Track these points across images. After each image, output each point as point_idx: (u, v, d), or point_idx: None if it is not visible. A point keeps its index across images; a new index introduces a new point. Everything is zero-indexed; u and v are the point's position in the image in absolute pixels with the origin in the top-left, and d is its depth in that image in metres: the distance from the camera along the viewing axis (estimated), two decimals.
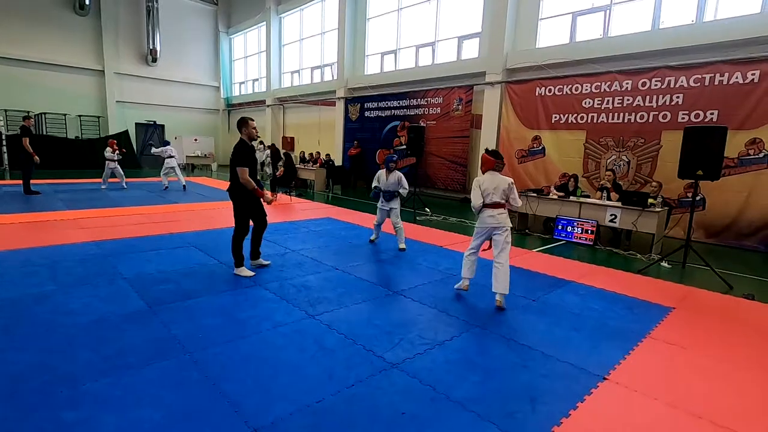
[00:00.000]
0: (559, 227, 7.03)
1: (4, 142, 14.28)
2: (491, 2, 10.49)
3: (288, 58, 18.56)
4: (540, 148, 9.69)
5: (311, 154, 14.46)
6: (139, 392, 2.34)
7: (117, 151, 11.14)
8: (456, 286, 4.24)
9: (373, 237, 6.29)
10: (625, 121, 8.25)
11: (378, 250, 5.82)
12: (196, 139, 19.47)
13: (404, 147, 12.89)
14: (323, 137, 16.39)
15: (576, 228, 6.82)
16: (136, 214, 7.60)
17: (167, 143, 12.28)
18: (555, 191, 7.55)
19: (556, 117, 9.35)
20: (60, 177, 12.75)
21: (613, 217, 6.53)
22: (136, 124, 19.24)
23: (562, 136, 9.27)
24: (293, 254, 5.40)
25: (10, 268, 4.34)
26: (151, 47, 19.13)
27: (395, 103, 13.13)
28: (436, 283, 4.51)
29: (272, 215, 7.94)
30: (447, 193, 11.98)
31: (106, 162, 11.00)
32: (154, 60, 19.42)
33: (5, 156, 14.36)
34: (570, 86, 9.02)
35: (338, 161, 14.61)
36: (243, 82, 21.87)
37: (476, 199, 3.96)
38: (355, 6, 14.50)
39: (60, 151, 15.77)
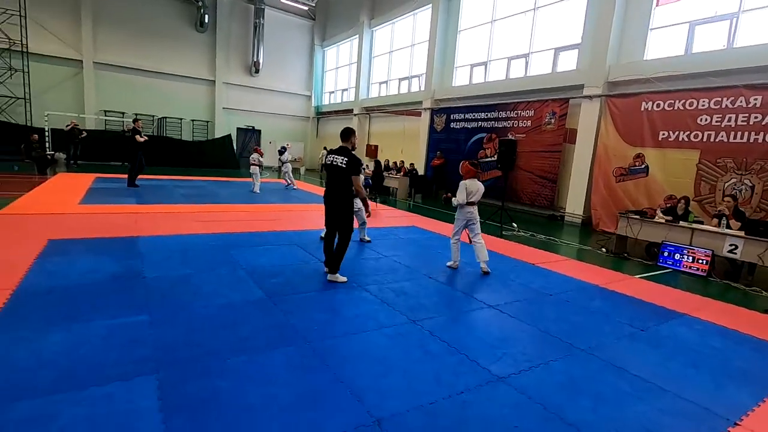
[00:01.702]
0: (665, 254, 6.48)
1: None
2: (594, 13, 10.04)
3: (377, 69, 19.28)
4: (642, 166, 9.01)
5: (395, 163, 14.83)
6: (271, 371, 2.66)
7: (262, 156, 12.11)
8: (447, 264, 5.47)
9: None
10: (751, 140, 7.39)
11: (466, 262, 5.84)
12: (288, 144, 20.89)
13: (490, 159, 12.76)
14: (406, 146, 16.72)
15: (686, 256, 6.24)
16: (242, 212, 8.42)
17: (284, 149, 13.54)
18: (661, 214, 6.99)
19: (663, 134, 8.64)
20: (177, 174, 14.47)
21: (733, 247, 5.88)
22: (237, 128, 21.23)
23: (669, 155, 8.54)
24: (386, 260, 5.63)
25: (153, 251, 5.09)
26: (255, 59, 21.03)
27: (483, 115, 13.03)
28: (532, 301, 4.44)
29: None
30: (532, 208, 11.58)
31: (251, 166, 11.72)
32: (257, 71, 21.31)
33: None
34: (683, 101, 8.29)
35: (421, 170, 14.82)
36: (333, 92, 23.10)
37: (462, 198, 5.29)
38: (446, 19, 14.69)
39: (176, 151, 17.86)
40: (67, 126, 14.74)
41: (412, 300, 4.16)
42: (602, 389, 2.77)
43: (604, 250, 7.36)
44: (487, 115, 12.89)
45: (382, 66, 18.94)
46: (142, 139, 9.99)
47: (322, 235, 4.77)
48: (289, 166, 13.21)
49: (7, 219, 6.09)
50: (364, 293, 4.26)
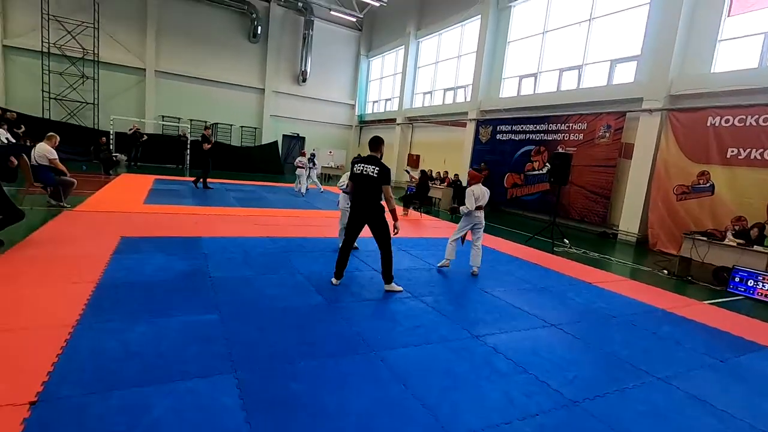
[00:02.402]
0: (737, 279, 6.05)
1: (188, 146, 17.43)
2: (656, 24, 9.66)
3: (421, 80, 19.37)
4: (708, 185, 8.49)
5: (438, 173, 14.77)
6: (342, 378, 2.68)
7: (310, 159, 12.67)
8: (438, 264, 5.67)
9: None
10: None
11: (519, 278, 5.69)
12: (331, 152, 21.35)
13: (537, 172, 12.46)
14: (449, 157, 16.63)
15: (762, 283, 5.80)
16: (292, 216, 8.63)
17: (313, 156, 13.85)
18: (732, 237, 6.55)
19: (733, 151, 8.13)
20: (227, 177, 15.06)
21: None
22: (283, 135, 21.89)
23: (740, 174, 8.01)
24: (438, 272, 5.58)
25: (215, 252, 5.30)
26: (302, 69, 21.67)
27: (531, 127, 12.76)
28: (594, 322, 4.26)
29: (407, 231, 8.33)
30: (582, 224, 11.17)
31: (298, 169, 12.38)
32: (304, 80, 21.95)
33: (188, 157, 17.50)
34: (756, 117, 7.78)
35: (465, 182, 14.66)
36: (376, 101, 23.40)
37: (471, 204, 5.43)
38: (496, 30, 14.58)
39: (226, 156, 18.61)
40: (129, 130, 15.74)
41: (470, 314, 4.10)
42: (690, 423, 2.59)
43: (665, 272, 6.96)
44: (535, 128, 12.62)
45: (426, 76, 19.01)
46: (207, 147, 10.91)
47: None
48: (315, 172, 13.61)
49: (84, 216, 6.54)
50: (421, 304, 4.24)
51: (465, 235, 5.71)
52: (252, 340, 3.06)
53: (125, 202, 8.12)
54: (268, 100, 21.25)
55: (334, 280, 4.54)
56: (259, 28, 20.11)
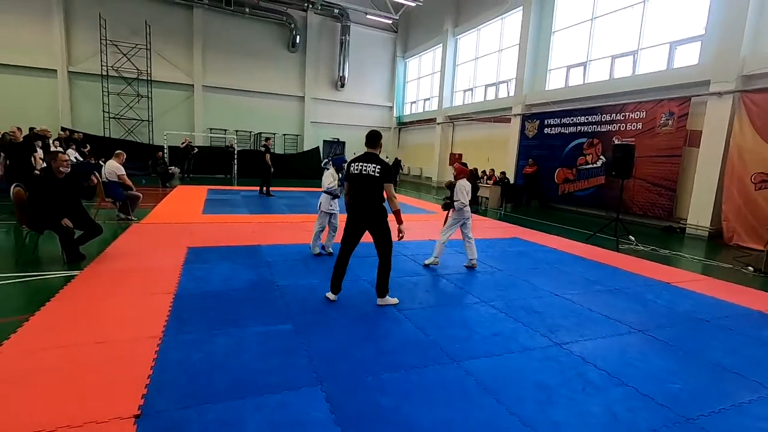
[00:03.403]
0: None
1: (235, 156, 18.04)
2: (724, 1, 8.91)
3: (461, 77, 19.03)
4: None
5: (484, 172, 14.42)
6: (429, 391, 2.57)
7: None
8: (428, 262, 5.51)
9: (316, 251, 5.75)
10: None
11: (588, 279, 5.36)
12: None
13: (591, 166, 11.86)
14: (493, 154, 16.21)
15: None
16: (342, 222, 8.63)
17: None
18: None
19: None
20: (273, 185, 15.39)
21: None
22: (323, 141, 22.21)
23: None
24: (502, 274, 5.38)
25: (277, 260, 5.36)
26: (340, 74, 21.92)
27: (582, 119, 12.17)
28: (685, 326, 3.91)
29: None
30: (644, 219, 10.50)
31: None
32: (342, 85, 22.18)
33: (235, 167, 18.12)
34: None
35: (512, 178, 14.24)
36: (414, 102, 23.27)
37: (466, 199, 5.34)
38: (539, 20, 14.06)
39: (272, 164, 19.08)
40: (182, 143, 16.50)
41: (547, 319, 3.88)
42: None
43: (750, 268, 6.36)
44: (587, 119, 12.02)
45: (466, 73, 18.66)
46: (268, 156, 11.72)
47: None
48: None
49: (151, 228, 6.86)
50: (492, 309, 4.06)
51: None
52: (330, 351, 3.02)
53: (186, 213, 8.46)
54: (308, 107, 21.64)
55: (330, 295, 4.03)
56: (298, 37, 20.53)
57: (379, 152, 3.95)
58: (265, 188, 12.11)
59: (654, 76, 10.46)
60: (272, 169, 11.93)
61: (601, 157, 11.56)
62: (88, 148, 13.73)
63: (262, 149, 12.29)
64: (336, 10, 20.76)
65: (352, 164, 3.89)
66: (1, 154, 8.15)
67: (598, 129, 11.66)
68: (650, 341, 3.54)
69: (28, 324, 3.15)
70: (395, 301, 4.05)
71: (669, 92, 10.00)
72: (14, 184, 4.86)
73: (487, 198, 13.05)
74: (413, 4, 17.66)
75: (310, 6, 20.45)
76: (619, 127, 11.04)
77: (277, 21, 20.30)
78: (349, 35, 21.49)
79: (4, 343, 2.83)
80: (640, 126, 10.51)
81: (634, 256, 6.95)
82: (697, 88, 9.36)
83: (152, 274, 4.48)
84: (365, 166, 3.78)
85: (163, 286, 4.13)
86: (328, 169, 5.95)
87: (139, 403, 2.26)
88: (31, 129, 11.86)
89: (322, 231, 5.81)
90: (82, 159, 12.28)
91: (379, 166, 3.76)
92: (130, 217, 7.40)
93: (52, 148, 11.51)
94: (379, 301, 4.00)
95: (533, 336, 3.49)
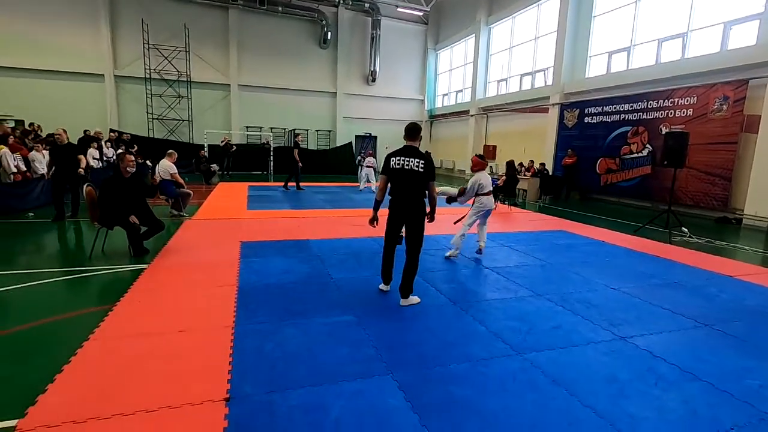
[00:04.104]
0: None
1: (271, 153, 18.46)
2: None
3: (494, 68, 18.67)
4: None
5: (521, 164, 14.14)
6: (499, 383, 2.60)
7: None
8: (447, 255, 5.52)
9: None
10: None
11: (643, 272, 5.21)
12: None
13: (636, 155, 11.43)
14: (529, 145, 15.87)
15: None
16: (382, 216, 8.71)
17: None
18: None
19: None
20: (308, 180, 15.70)
21: None
22: (356, 136, 22.35)
23: None
24: (552, 267, 5.31)
25: (328, 254, 5.50)
26: (371, 69, 21.95)
27: (626, 107, 11.72)
28: (757, 321, 3.74)
29: (501, 225, 8.05)
30: (696, 210, 10.03)
31: (367, 168, 12.92)
32: (374, 80, 22.22)
33: (271, 163, 18.55)
34: None
35: (551, 170, 13.91)
36: (446, 94, 23.02)
37: (471, 194, 5.44)
38: (578, 5, 13.57)
39: (305, 160, 19.37)
40: (222, 142, 17.04)
41: (606, 312, 3.81)
42: None
43: None
44: (631, 107, 11.56)
45: (499, 63, 18.28)
46: (296, 151, 12.07)
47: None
48: (370, 170, 13.11)
49: (203, 224, 7.17)
50: (548, 302, 4.03)
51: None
52: (395, 342, 3.09)
53: (232, 209, 8.77)
54: (340, 102, 21.82)
55: (382, 286, 4.11)
56: (329, 33, 20.68)
57: (419, 146, 3.85)
58: (293, 183, 12.49)
59: (706, 59, 9.92)
60: (300, 164, 12.24)
61: (647, 145, 11.11)
62: (136, 148, 14.40)
63: (293, 145, 12.72)
64: (367, 5, 20.77)
65: (392, 158, 3.76)
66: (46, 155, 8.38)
67: (644, 116, 11.19)
68: (720, 336, 3.42)
69: (112, 313, 3.39)
70: (417, 300, 3.88)
71: (723, 75, 9.47)
72: (86, 184, 5.20)
73: (525, 190, 12.81)
74: None
75: (341, 2, 20.54)
76: (667, 113, 10.56)
77: (308, 18, 20.52)
78: (379, 29, 21.45)
79: (95, 331, 3.06)
80: (690, 112, 10.02)
81: (688, 248, 6.67)
82: (756, 69, 8.82)
83: (213, 268, 4.70)
84: (408, 161, 3.66)
85: (225, 278, 4.34)
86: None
87: (227, 387, 2.41)
88: (85, 131, 12.59)
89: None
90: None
91: (422, 161, 3.65)
92: (182, 214, 7.75)
93: (105, 150, 12.18)
94: (402, 302, 3.81)
95: (595, 329, 3.44)
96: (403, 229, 3.98)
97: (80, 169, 7.27)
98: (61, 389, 2.35)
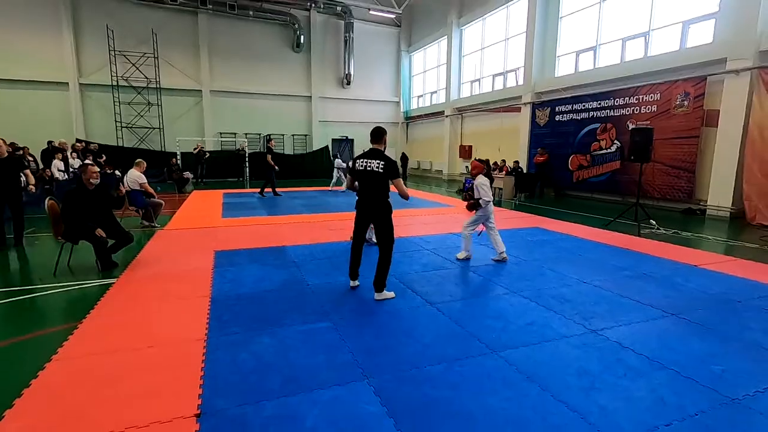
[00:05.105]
0: None
1: (246, 159, 18.20)
2: None
3: (467, 68, 18.92)
4: None
5: (496, 162, 14.36)
6: (475, 382, 2.62)
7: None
8: (458, 256, 5.53)
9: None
10: None
11: (614, 265, 5.36)
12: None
13: (605, 151, 11.76)
14: (504, 144, 16.14)
15: None
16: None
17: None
18: None
19: None
20: (286, 186, 15.53)
21: None
22: (332, 139, 22.27)
23: None
24: (527, 263, 5.40)
25: (304, 259, 5.45)
26: (346, 72, 21.92)
27: (594, 104, 12.06)
28: (718, 309, 3.90)
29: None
30: (663, 202, 10.40)
31: (336, 170, 13.23)
32: (348, 83, 22.19)
33: (246, 170, 18.28)
34: None
35: (525, 168, 14.18)
36: (421, 95, 23.19)
37: (489, 195, 5.24)
38: (546, 6, 13.90)
39: (281, 165, 19.15)
40: (194, 149, 16.71)
41: (578, 306, 3.90)
42: None
43: None
44: (599, 104, 11.91)
45: (472, 64, 18.54)
46: (270, 156, 11.72)
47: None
48: (340, 172, 13.79)
49: (175, 234, 6.99)
50: (523, 299, 4.09)
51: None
52: (371, 346, 3.08)
53: (206, 217, 8.59)
54: (316, 106, 21.70)
55: (351, 282, 4.33)
56: (302, 37, 20.56)
57: (384, 148, 4.05)
58: (269, 189, 12.22)
59: (667, 56, 10.31)
60: (276, 168, 11.88)
61: (616, 141, 11.45)
62: (104, 158, 13.95)
63: (265, 151, 12.51)
64: (339, 8, 20.75)
65: (357, 161, 4.02)
66: None
67: (611, 113, 11.54)
68: (686, 324, 3.55)
69: (78, 331, 3.27)
70: (392, 295, 4.06)
71: (684, 72, 9.86)
72: (48, 197, 5.00)
73: (500, 189, 13.00)
74: None
75: (313, 5, 20.45)
76: (633, 110, 10.92)
77: (280, 22, 20.34)
78: (353, 32, 21.44)
79: (59, 351, 2.94)
80: (654, 108, 10.39)
81: (656, 240, 6.90)
82: (713, 66, 9.22)
83: (185, 279, 4.59)
84: (369, 162, 3.91)
85: (197, 289, 4.24)
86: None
87: (198, 403, 2.35)
88: (50, 143, 12.13)
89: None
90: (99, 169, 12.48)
91: (382, 163, 3.88)
92: (153, 224, 7.55)
93: (71, 161, 11.75)
94: (377, 296, 4.00)
95: (567, 324, 3.52)
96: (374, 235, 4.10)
97: (30, 186, 6.26)
98: (20, 415, 2.24)
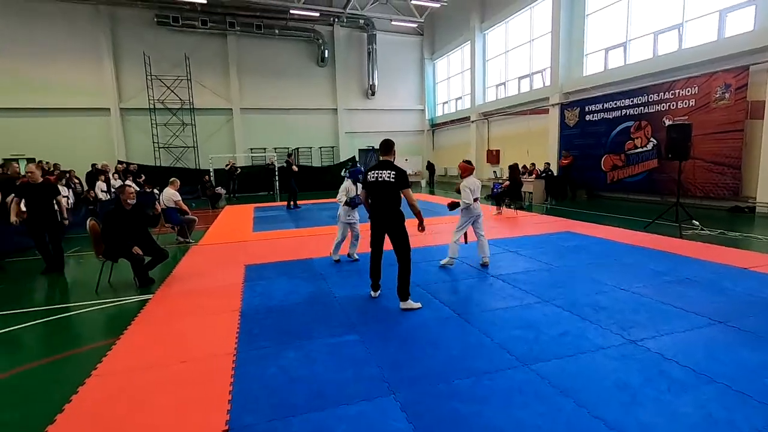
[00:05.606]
0: None
1: (276, 174, 18.63)
2: None
3: (492, 72, 18.71)
4: None
5: (525, 166, 14.04)
6: (505, 396, 2.52)
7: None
8: (443, 263, 5.47)
9: (336, 258, 5.90)
10: None
11: (654, 270, 5.08)
12: (406, 159, 21.44)
13: (641, 150, 11.28)
14: (533, 147, 15.78)
15: None
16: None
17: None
18: None
19: None
20: (314, 198, 15.78)
21: None
22: (359, 150, 22.49)
23: None
24: (558, 270, 5.21)
25: (331, 272, 5.49)
26: (370, 83, 22.17)
27: (626, 102, 11.62)
28: None
29: (506, 230, 7.98)
30: (706, 201, 9.83)
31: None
32: (373, 93, 22.42)
33: (276, 183, 18.71)
34: None
35: (555, 171, 13.80)
36: (446, 102, 23.11)
37: (469, 198, 5.28)
38: (571, 5, 13.59)
39: (309, 177, 19.58)
40: (226, 165, 17.29)
41: (616, 315, 3.72)
42: None
43: None
44: (632, 101, 11.46)
45: (497, 68, 18.33)
46: (295, 169, 12.12)
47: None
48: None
49: (209, 249, 7.22)
50: (555, 308, 3.94)
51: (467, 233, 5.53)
52: (398, 360, 3.04)
53: (237, 232, 8.83)
54: (342, 118, 22.03)
55: (372, 293, 4.42)
56: (326, 51, 21.00)
57: (394, 159, 4.18)
58: (292, 202, 12.49)
59: (704, 48, 9.82)
60: (294, 183, 12.35)
61: (652, 139, 10.97)
62: (143, 177, 14.66)
63: (285, 165, 12.86)
64: (361, 21, 21.07)
65: (369, 173, 4.14)
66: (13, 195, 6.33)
67: (646, 110, 11.07)
68: (735, 333, 3.30)
69: (116, 347, 3.40)
70: (418, 305, 4.05)
71: (723, 63, 9.35)
72: (90, 218, 5.28)
73: (531, 193, 12.69)
74: (437, 5, 17.63)
75: (336, 20, 20.87)
76: (669, 106, 10.43)
77: (305, 38, 20.87)
78: (375, 44, 21.71)
79: (98, 367, 3.07)
80: (692, 103, 9.88)
81: (700, 241, 6.52)
82: (756, 55, 8.70)
83: (217, 293, 4.71)
84: (380, 173, 4.02)
85: (228, 304, 4.33)
86: (346, 179, 6.04)
87: (226, 418, 2.38)
88: (93, 165, 12.87)
89: (342, 241, 6.01)
90: (139, 189, 13.13)
91: (393, 173, 3.98)
92: (188, 240, 7.82)
93: (112, 181, 12.41)
94: (402, 305, 4.03)
95: (604, 334, 3.35)
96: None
97: (64, 220, 6.04)
98: (62, 430, 2.35)
